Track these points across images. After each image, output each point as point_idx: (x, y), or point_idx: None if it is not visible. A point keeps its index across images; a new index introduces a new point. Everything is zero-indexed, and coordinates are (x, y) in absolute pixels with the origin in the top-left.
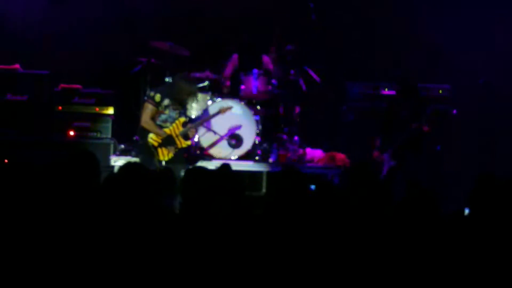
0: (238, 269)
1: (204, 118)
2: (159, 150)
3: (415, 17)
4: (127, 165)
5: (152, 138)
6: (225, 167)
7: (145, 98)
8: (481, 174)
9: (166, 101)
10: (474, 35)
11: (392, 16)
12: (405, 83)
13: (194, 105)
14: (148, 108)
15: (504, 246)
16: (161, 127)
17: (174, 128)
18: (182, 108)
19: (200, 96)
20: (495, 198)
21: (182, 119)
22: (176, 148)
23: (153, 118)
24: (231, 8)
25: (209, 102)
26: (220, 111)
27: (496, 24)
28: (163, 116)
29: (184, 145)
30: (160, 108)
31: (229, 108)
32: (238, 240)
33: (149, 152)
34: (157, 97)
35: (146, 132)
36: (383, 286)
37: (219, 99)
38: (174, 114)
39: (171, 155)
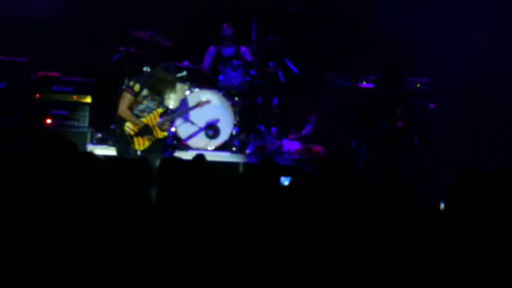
0: (214, 259)
1: (182, 111)
2: (135, 139)
3: (396, 10)
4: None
5: (129, 127)
6: (199, 157)
7: (124, 87)
8: (463, 169)
9: (145, 92)
10: (455, 29)
11: (372, 8)
12: (391, 70)
13: (172, 95)
14: (126, 98)
15: (482, 241)
16: (138, 116)
17: (152, 119)
18: (160, 98)
19: (178, 86)
20: (477, 193)
21: (160, 110)
22: (153, 137)
23: (131, 108)
24: None
25: (187, 92)
26: (198, 105)
27: (478, 18)
28: (141, 106)
29: (160, 136)
30: (138, 98)
31: (207, 102)
32: (214, 230)
33: (125, 141)
34: (136, 87)
35: (123, 121)
36: (357, 277)
37: (197, 89)
38: (152, 104)
39: (147, 144)
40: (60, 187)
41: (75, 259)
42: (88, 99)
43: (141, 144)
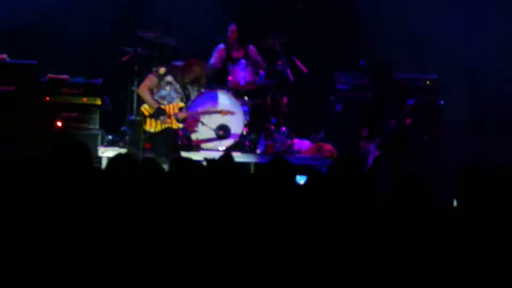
0: (228, 259)
1: (203, 111)
2: (148, 120)
3: (403, 6)
4: (117, 157)
5: (145, 108)
6: (227, 156)
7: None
8: (466, 165)
9: (169, 78)
10: (464, 26)
11: (380, 6)
12: (380, 74)
13: (195, 92)
14: (150, 79)
15: (491, 237)
16: (157, 102)
17: (170, 108)
18: (185, 95)
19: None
20: (481, 189)
21: (181, 104)
22: (167, 122)
23: (152, 91)
24: None
25: (196, 93)
26: (221, 112)
27: (486, 15)
28: (163, 92)
29: (174, 126)
30: (162, 82)
31: (231, 113)
32: (227, 230)
33: (137, 125)
34: (162, 70)
35: (141, 102)
36: (370, 276)
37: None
38: (175, 95)
39: (158, 128)
40: (71, 188)
41: (82, 259)
42: (98, 101)
43: (152, 126)
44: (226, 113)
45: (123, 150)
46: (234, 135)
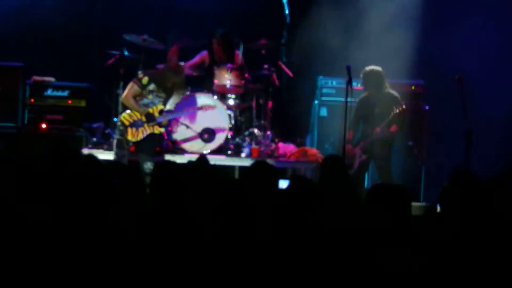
0: (211, 264)
1: (184, 111)
2: (129, 129)
3: (390, 12)
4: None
5: (124, 117)
6: (202, 158)
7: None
8: (455, 172)
9: (152, 86)
10: (449, 31)
11: (366, 12)
12: (368, 79)
13: (177, 94)
14: (133, 88)
15: (475, 244)
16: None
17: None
18: (166, 97)
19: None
20: (469, 196)
21: (161, 106)
22: (149, 127)
23: (135, 99)
24: (206, 1)
25: (181, 96)
26: (202, 108)
27: (471, 20)
28: (145, 100)
29: (156, 131)
30: (144, 92)
31: (212, 107)
32: (209, 234)
33: (121, 132)
34: (145, 80)
35: (123, 110)
36: (354, 280)
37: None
38: (157, 101)
39: (140, 136)
40: (58, 191)
41: (70, 264)
42: (83, 104)
43: (134, 135)
44: (208, 107)
45: (107, 153)
46: (220, 129)
